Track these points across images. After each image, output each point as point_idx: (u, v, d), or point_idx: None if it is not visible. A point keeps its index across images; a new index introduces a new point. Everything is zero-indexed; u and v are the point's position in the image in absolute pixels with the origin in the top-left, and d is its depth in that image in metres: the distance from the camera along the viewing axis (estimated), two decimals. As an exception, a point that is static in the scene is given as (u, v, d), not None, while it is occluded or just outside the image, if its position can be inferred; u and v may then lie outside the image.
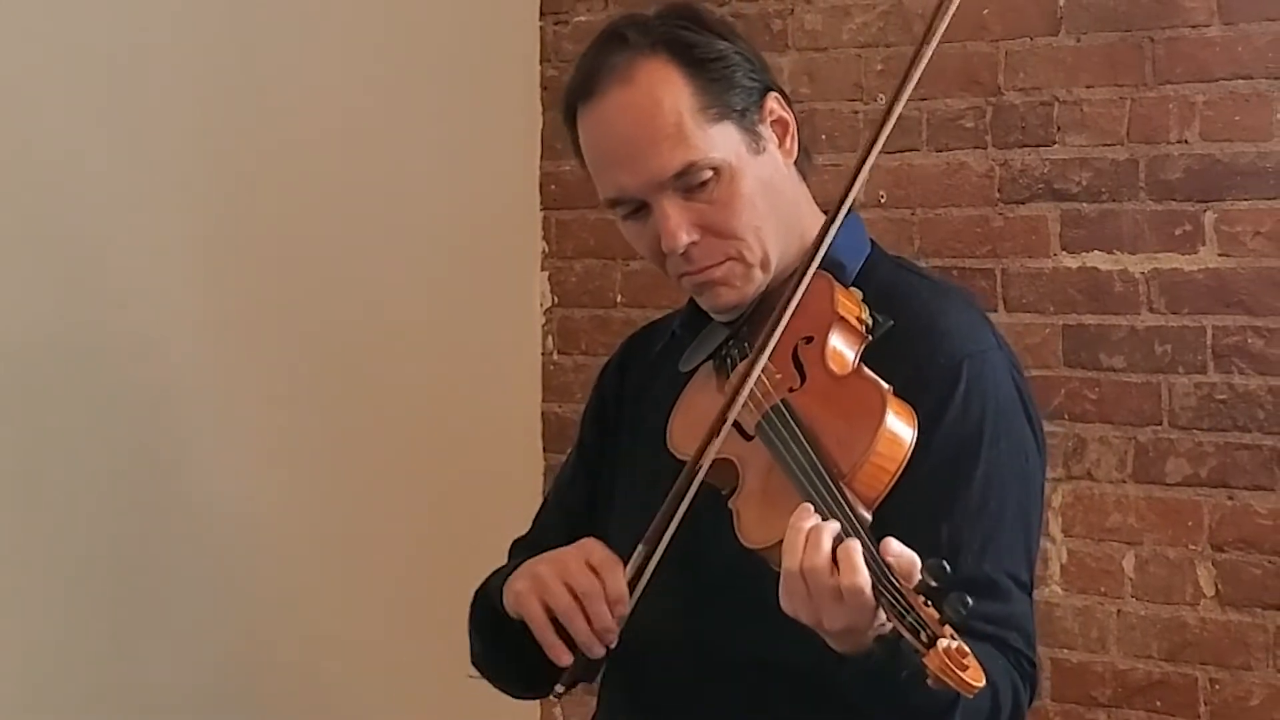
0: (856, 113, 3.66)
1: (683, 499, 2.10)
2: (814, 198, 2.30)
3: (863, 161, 2.14)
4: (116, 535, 3.24)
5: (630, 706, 2.32)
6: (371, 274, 3.69)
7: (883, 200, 3.62)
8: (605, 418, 2.43)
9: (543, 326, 4.12)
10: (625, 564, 2.14)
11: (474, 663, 2.40)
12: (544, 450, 4.07)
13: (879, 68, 3.64)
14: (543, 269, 4.11)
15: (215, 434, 3.40)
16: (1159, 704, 3.39)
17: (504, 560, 2.50)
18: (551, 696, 2.19)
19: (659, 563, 2.14)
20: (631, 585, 2.13)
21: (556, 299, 4.11)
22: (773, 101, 2.23)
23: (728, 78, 2.20)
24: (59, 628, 3.17)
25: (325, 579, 3.57)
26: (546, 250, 4.12)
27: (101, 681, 3.23)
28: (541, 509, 2.54)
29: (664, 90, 2.17)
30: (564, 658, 2.15)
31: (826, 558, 1.87)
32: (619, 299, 3.98)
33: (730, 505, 2.05)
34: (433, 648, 3.63)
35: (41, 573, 3.14)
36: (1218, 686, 3.33)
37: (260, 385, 3.48)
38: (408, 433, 3.74)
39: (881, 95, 3.63)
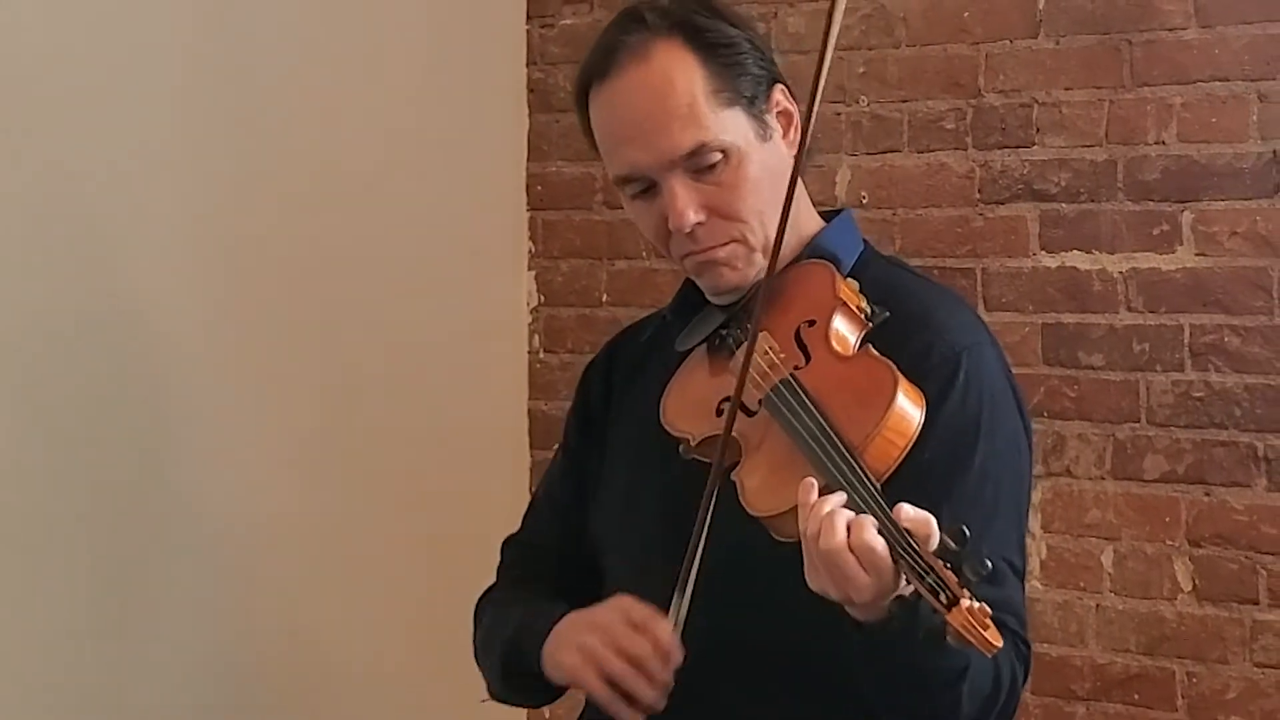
0: (839, 114, 3.67)
1: (706, 517, 2.10)
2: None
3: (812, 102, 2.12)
4: (112, 532, 3.24)
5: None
6: (361, 273, 3.69)
7: (864, 201, 3.64)
8: (590, 417, 2.45)
9: (529, 325, 4.13)
10: (666, 613, 2.14)
11: (494, 696, 2.42)
12: (531, 447, 4.08)
13: (861, 70, 3.65)
14: (529, 268, 4.13)
15: (204, 431, 3.41)
16: (1137, 697, 3.40)
17: (493, 557, 2.52)
18: None
19: (658, 549, 2.16)
20: (676, 631, 2.14)
21: (543, 298, 4.12)
22: (779, 93, 2.26)
23: (739, 64, 2.23)
24: (54, 623, 3.16)
25: (313, 574, 3.58)
26: (533, 250, 4.12)
27: (97, 677, 3.23)
28: (531, 507, 2.55)
29: (678, 71, 2.20)
30: (637, 719, 2.16)
31: (843, 536, 1.88)
32: (604, 298, 3.99)
33: (732, 478, 2.06)
34: (421, 643, 3.67)
35: (38, 569, 3.14)
36: (1195, 680, 3.35)
37: (249, 384, 3.48)
38: (397, 429, 3.74)
39: (864, 97, 3.65)
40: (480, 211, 4.00)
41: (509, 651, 2.34)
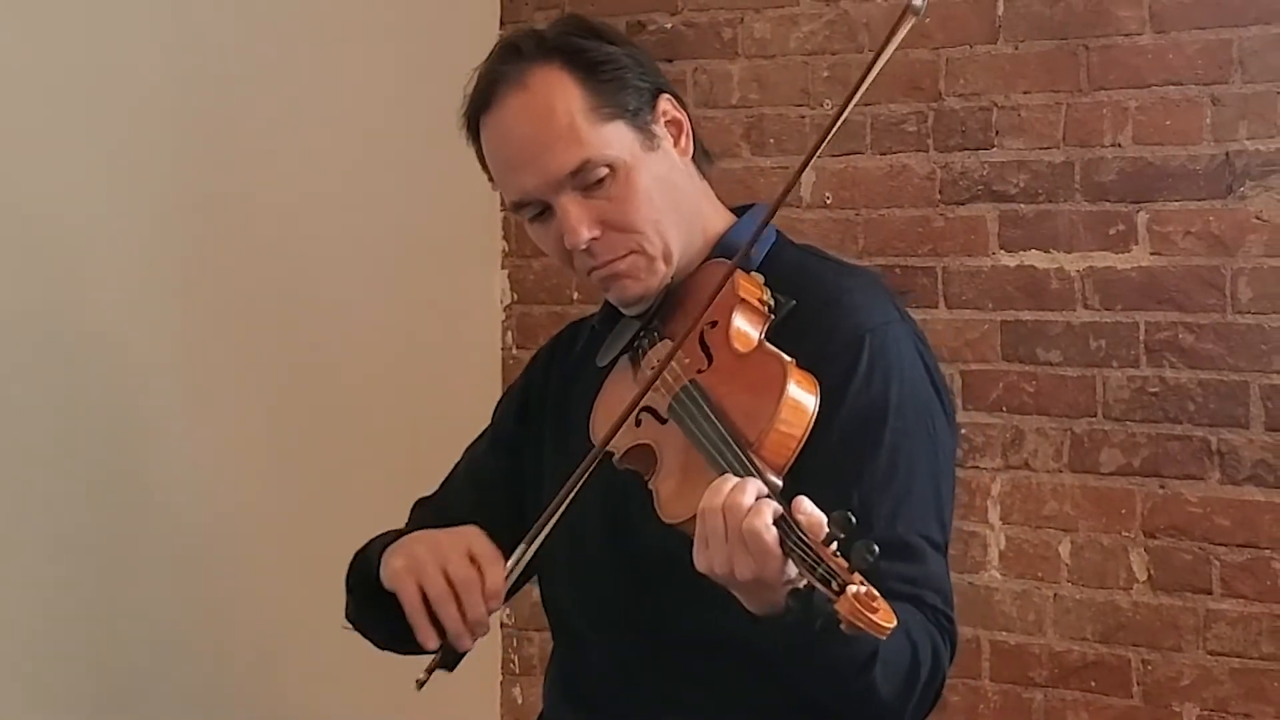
0: (803, 117, 3.70)
1: (577, 485, 2.14)
2: (718, 194, 2.35)
3: (802, 167, 2.20)
4: (85, 527, 3.25)
5: (572, 689, 2.36)
6: (337, 272, 3.70)
7: (828, 201, 3.66)
8: (529, 406, 2.47)
9: (503, 323, 4.14)
10: (506, 559, 2.17)
11: (348, 617, 2.45)
12: (503, 443, 4.11)
13: (825, 74, 3.67)
14: (503, 267, 4.14)
15: (183, 430, 3.41)
16: (1094, 684, 3.43)
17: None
18: (416, 687, 2.19)
19: (596, 545, 2.20)
20: (509, 579, 2.17)
21: (516, 296, 4.13)
22: (665, 102, 2.28)
23: (619, 79, 2.24)
24: (27, 619, 3.17)
25: (291, 569, 3.56)
26: (506, 249, 4.14)
27: (70, 671, 3.24)
28: (450, 476, 2.55)
29: (557, 93, 2.22)
30: (430, 642, 2.18)
31: (749, 502, 1.91)
32: (575, 296, 3.99)
33: (650, 486, 2.10)
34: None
35: (10, 565, 3.15)
36: (1150, 667, 3.38)
37: (228, 382, 3.49)
38: (374, 425, 3.75)
39: (828, 101, 3.67)
40: (454, 211, 3.98)
41: (359, 558, 2.38)
